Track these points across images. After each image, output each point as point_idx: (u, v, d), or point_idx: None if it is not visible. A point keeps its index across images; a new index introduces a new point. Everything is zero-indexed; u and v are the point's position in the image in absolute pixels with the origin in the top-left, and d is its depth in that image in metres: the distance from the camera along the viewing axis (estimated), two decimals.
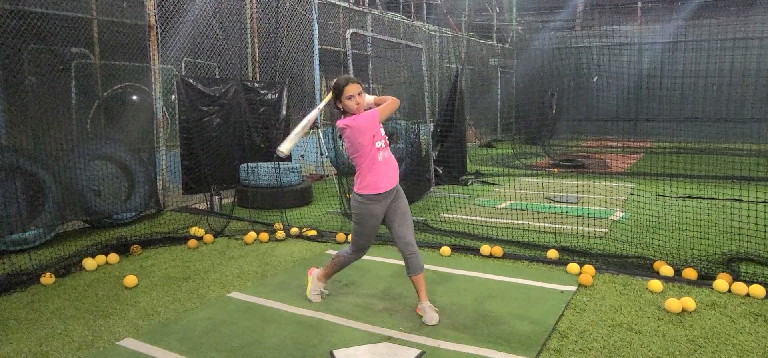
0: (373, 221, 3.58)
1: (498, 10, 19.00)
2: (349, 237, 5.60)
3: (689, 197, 7.45)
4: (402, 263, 4.80)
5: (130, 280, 4.38)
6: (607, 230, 5.97)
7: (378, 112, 3.42)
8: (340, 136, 3.63)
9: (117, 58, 7.00)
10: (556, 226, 6.12)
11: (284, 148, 3.47)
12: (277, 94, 8.39)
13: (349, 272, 4.63)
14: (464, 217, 6.77)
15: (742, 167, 7.98)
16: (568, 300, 3.93)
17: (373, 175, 3.46)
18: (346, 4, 10.52)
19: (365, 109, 3.50)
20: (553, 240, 5.39)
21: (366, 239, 3.69)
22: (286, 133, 8.51)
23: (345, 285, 4.33)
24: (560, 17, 17.58)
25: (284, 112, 8.50)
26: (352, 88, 3.38)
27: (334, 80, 3.49)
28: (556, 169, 10.84)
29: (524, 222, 6.11)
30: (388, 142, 3.57)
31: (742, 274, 4.29)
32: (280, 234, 5.80)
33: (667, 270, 4.39)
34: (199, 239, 5.69)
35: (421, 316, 3.61)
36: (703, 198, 7.46)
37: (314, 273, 4.08)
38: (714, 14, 14.76)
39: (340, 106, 3.47)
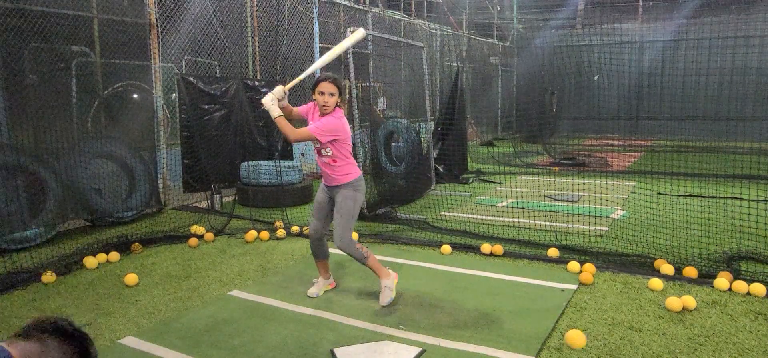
0: (316, 197, 4.04)
1: (499, 8, 18.97)
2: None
3: (690, 195, 7.44)
4: (402, 261, 4.84)
5: (131, 278, 4.38)
6: (607, 229, 5.97)
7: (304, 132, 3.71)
8: None
9: (118, 57, 6.99)
10: (557, 224, 6.12)
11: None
12: None
13: (349, 271, 4.63)
14: (465, 215, 6.77)
15: (743, 166, 7.96)
16: (568, 298, 3.93)
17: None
18: (346, 3, 10.51)
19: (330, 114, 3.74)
20: (554, 238, 5.39)
21: (311, 215, 4.09)
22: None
23: (346, 283, 4.33)
24: (561, 15, 17.54)
25: None
26: (325, 86, 3.67)
27: (321, 73, 3.82)
28: (556, 168, 10.84)
29: (525, 220, 6.10)
30: (323, 155, 3.81)
31: (743, 272, 4.29)
32: (281, 233, 5.80)
33: (667, 269, 4.39)
34: (200, 237, 5.70)
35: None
36: (704, 196, 7.46)
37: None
38: (715, 12, 14.72)
39: (313, 96, 3.77)
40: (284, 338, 3.38)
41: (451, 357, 3.13)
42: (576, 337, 3.18)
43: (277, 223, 6.15)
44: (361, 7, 11.34)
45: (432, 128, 9.02)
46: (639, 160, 12.04)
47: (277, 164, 7.34)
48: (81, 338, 1.51)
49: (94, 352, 1.56)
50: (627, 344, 3.23)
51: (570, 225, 6.06)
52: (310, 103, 3.85)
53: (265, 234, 5.75)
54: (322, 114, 3.73)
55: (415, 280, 4.37)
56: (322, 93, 3.66)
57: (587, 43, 13.82)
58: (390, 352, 3.17)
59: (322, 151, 3.75)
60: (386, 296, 3.81)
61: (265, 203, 7.26)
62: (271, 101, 3.61)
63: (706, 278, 4.25)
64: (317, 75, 3.90)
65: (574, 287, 4.15)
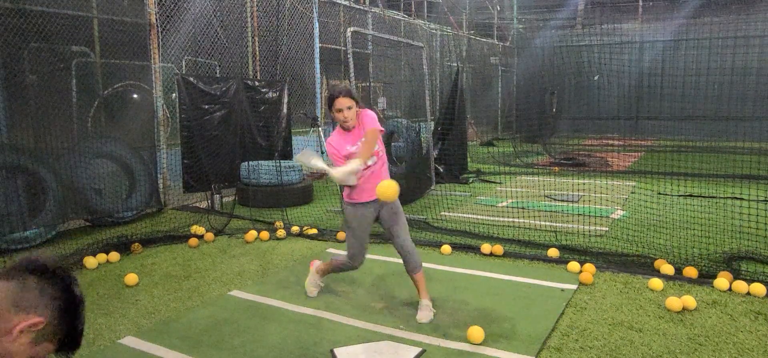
0: (359, 224, 3.65)
1: (499, 8, 18.98)
2: None
3: (690, 195, 7.44)
4: (401, 261, 4.82)
5: (131, 278, 4.38)
6: (607, 229, 5.97)
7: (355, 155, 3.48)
8: None
9: (118, 57, 7.00)
10: (557, 224, 6.12)
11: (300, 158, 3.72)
12: (277, 93, 8.39)
13: (350, 271, 4.62)
14: (465, 215, 6.77)
15: (743, 166, 7.96)
16: (568, 299, 3.93)
17: (355, 188, 3.55)
18: (346, 3, 10.51)
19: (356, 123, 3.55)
20: (554, 239, 5.39)
21: (357, 246, 3.72)
22: (287, 134, 8.55)
23: (345, 284, 4.33)
24: (561, 15, 17.55)
25: (285, 110, 8.50)
26: (340, 102, 3.48)
27: (330, 88, 3.61)
28: (556, 168, 10.84)
29: (525, 220, 6.10)
30: (380, 160, 3.59)
31: (743, 272, 4.29)
32: (281, 233, 5.80)
33: (667, 269, 4.39)
34: (200, 237, 5.70)
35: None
36: (704, 196, 7.46)
37: (315, 265, 4.13)
38: (715, 12, 14.73)
39: (331, 115, 3.60)
40: (284, 337, 3.38)
41: (451, 357, 3.13)
42: (475, 332, 3.27)
43: (277, 223, 6.15)
44: (361, 7, 11.35)
45: (432, 128, 9.02)
46: (639, 160, 12.04)
47: (277, 164, 7.35)
48: (63, 277, 1.43)
49: (79, 293, 1.46)
50: (627, 344, 3.23)
51: (570, 225, 6.07)
52: (332, 138, 3.61)
53: (265, 234, 5.75)
54: (346, 130, 3.56)
55: None
56: (340, 110, 3.47)
57: (587, 43, 13.82)
58: (390, 352, 3.17)
59: (369, 161, 3.51)
60: (426, 315, 3.62)
61: (265, 203, 7.26)
62: (347, 176, 3.35)
63: (706, 278, 4.25)
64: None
65: (574, 287, 4.15)
